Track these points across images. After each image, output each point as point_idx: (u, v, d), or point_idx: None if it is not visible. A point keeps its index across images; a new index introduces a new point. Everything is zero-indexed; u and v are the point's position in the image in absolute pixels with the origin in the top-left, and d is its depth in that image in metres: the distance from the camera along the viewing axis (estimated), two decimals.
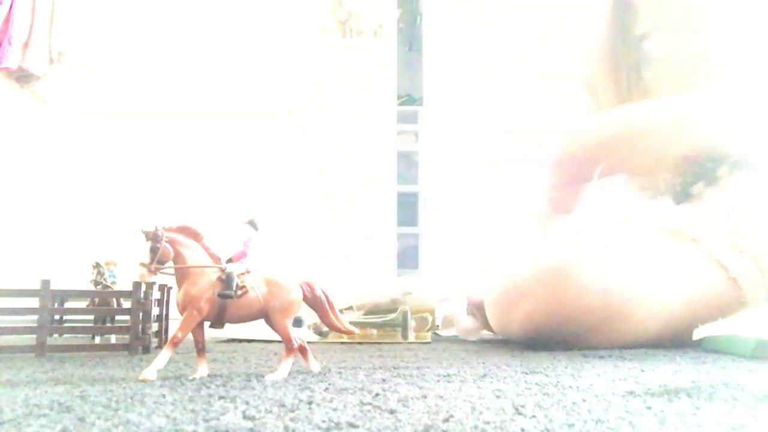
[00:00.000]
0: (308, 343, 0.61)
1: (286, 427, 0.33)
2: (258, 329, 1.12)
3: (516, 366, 0.66)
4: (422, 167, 2.60)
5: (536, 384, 0.52)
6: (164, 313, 0.92)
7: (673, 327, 0.94)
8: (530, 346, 0.93)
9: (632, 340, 0.91)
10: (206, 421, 0.35)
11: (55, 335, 1.02)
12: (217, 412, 0.38)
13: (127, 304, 0.83)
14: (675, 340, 0.94)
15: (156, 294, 0.86)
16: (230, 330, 0.58)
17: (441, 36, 2.50)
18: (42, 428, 0.32)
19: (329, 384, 0.51)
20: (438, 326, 1.41)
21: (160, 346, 0.87)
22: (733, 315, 0.96)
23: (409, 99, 2.76)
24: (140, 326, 0.81)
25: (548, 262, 0.92)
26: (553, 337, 0.90)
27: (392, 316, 1.32)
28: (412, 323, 1.23)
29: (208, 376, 0.56)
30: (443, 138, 2.43)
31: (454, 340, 1.19)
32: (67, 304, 0.98)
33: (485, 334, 1.33)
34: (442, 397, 0.44)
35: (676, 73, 1.09)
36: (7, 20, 1.84)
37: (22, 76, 1.93)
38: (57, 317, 1.02)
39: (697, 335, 1.02)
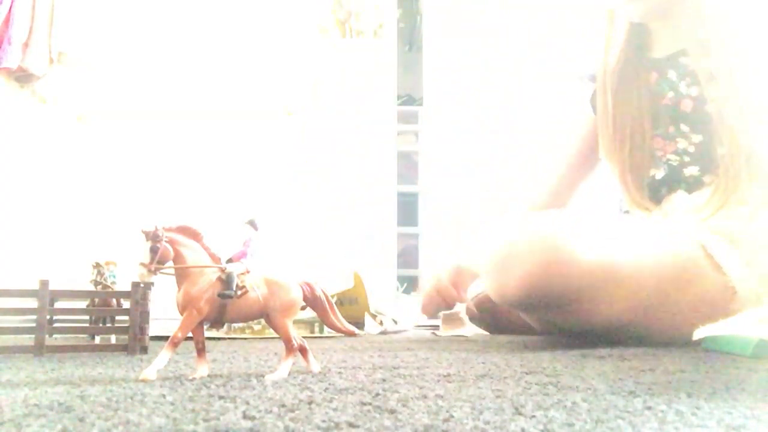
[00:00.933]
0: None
1: (286, 427, 0.33)
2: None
3: (516, 366, 0.66)
4: (422, 167, 2.60)
5: (536, 384, 0.52)
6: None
7: (660, 302, 0.94)
8: (527, 309, 0.94)
9: (623, 311, 0.92)
10: (206, 421, 0.35)
11: (55, 335, 1.02)
12: (217, 412, 0.38)
13: (126, 304, 0.83)
14: (660, 321, 0.94)
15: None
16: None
17: (441, 36, 2.50)
18: (42, 428, 0.32)
19: (329, 384, 0.51)
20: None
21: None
22: (721, 297, 0.96)
23: (409, 99, 2.76)
24: (138, 326, 0.81)
25: (543, 230, 0.93)
26: (549, 302, 0.91)
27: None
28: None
29: (208, 376, 0.56)
30: (443, 138, 2.43)
31: (455, 339, 1.19)
32: (67, 305, 0.98)
33: (482, 333, 1.33)
34: (442, 397, 0.44)
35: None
36: (7, 20, 1.84)
37: (22, 76, 1.93)
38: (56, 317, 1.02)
39: (697, 335, 1.01)
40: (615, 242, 0.96)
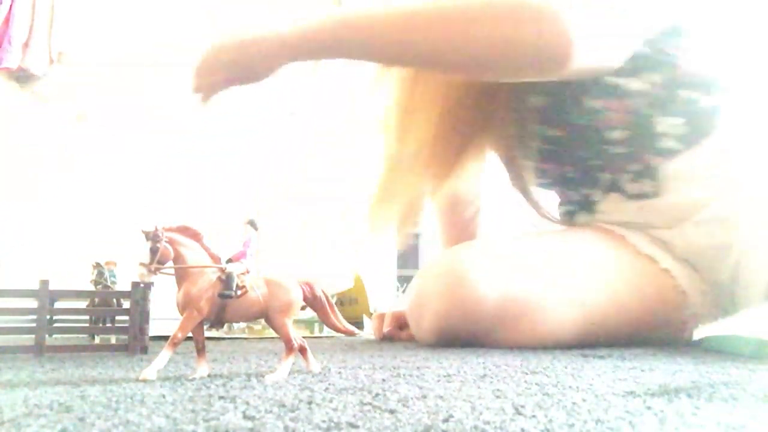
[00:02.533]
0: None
1: (286, 427, 0.33)
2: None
3: (516, 366, 0.66)
4: None
5: (536, 384, 0.52)
6: None
7: (601, 320, 0.91)
8: (446, 346, 0.91)
9: (546, 337, 0.88)
10: (206, 421, 0.35)
11: (55, 335, 1.02)
12: (217, 412, 0.38)
13: (126, 304, 0.83)
14: (610, 335, 0.91)
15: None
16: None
17: None
18: (42, 428, 0.32)
19: (329, 384, 0.51)
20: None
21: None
22: (679, 308, 0.93)
23: None
24: (139, 326, 0.81)
25: (443, 269, 0.92)
26: (464, 339, 0.90)
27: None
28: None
29: (208, 376, 0.56)
30: None
31: None
32: (67, 305, 0.98)
33: None
34: (442, 397, 0.44)
35: None
36: (7, 20, 1.85)
37: (22, 76, 1.93)
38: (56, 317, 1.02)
39: (697, 335, 1.01)
40: (527, 268, 0.91)
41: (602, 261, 0.95)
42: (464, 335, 0.89)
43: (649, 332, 0.96)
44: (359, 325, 1.43)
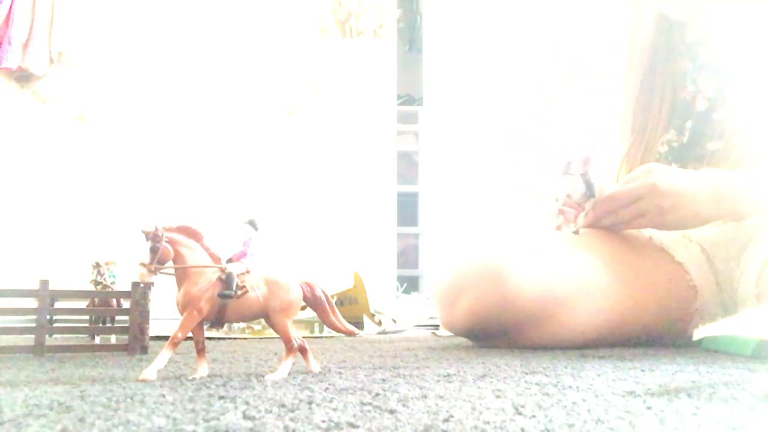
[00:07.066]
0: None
1: (286, 427, 0.33)
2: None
3: (516, 366, 0.66)
4: (422, 167, 2.60)
5: (536, 384, 0.52)
6: None
7: (622, 320, 0.91)
8: (473, 340, 0.94)
9: (576, 335, 0.89)
10: (206, 421, 0.35)
11: (55, 335, 1.02)
12: (217, 412, 0.38)
13: (126, 304, 0.83)
14: (626, 334, 0.92)
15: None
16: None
17: (441, 36, 2.50)
18: (42, 428, 0.32)
19: (329, 384, 0.51)
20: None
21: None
22: (688, 303, 0.95)
23: (409, 99, 2.76)
24: (138, 326, 0.81)
25: (485, 258, 0.91)
26: (494, 332, 0.90)
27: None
28: None
29: (208, 376, 0.56)
30: (443, 138, 2.43)
31: (455, 339, 1.19)
32: (67, 305, 0.98)
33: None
34: (442, 397, 0.44)
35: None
36: (7, 20, 1.85)
37: (22, 76, 1.94)
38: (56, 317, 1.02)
39: (697, 335, 1.01)
40: (565, 265, 0.91)
41: (622, 258, 0.96)
42: (497, 328, 0.89)
43: (660, 329, 0.96)
44: (359, 325, 1.43)
